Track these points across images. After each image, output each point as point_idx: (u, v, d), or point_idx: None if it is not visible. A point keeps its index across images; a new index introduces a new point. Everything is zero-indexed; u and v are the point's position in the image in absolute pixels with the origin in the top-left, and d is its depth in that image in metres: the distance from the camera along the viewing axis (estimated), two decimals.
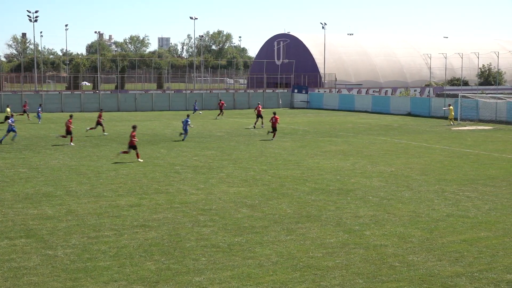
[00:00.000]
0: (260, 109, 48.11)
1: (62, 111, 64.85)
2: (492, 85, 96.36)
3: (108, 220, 16.86)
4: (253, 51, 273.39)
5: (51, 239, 14.94)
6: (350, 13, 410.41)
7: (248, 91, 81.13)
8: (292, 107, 74.54)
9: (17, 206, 18.60)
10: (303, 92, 76.80)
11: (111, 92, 75.94)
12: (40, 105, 55.18)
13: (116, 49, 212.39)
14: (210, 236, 15.36)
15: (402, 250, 14.20)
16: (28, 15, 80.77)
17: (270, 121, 38.63)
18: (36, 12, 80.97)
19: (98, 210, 18.06)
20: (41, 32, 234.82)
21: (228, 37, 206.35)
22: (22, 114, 53.77)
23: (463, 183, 22.90)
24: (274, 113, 39.15)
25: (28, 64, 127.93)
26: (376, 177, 24.03)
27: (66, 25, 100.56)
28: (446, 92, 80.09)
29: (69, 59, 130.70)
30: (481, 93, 67.53)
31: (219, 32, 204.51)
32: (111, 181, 22.83)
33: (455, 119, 51.00)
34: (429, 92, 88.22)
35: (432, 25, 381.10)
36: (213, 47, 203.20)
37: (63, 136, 35.10)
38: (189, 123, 37.54)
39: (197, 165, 26.94)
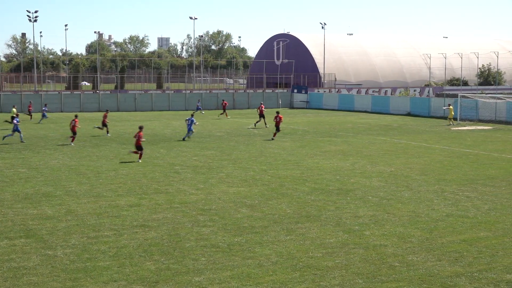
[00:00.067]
0: (262, 108, 48.15)
1: (61, 111, 64.86)
2: (492, 85, 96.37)
3: (108, 220, 16.86)
4: (252, 51, 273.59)
5: (50, 239, 14.94)
6: (349, 13, 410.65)
7: (247, 91, 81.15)
8: (291, 107, 74.56)
9: (16, 206, 18.59)
10: (303, 92, 76.81)
11: (110, 92, 75.95)
12: (46, 104, 55.32)
13: (115, 49, 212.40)
14: (209, 236, 15.36)
15: (401, 250, 14.21)
16: (27, 15, 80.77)
17: (274, 120, 38.70)
18: (36, 12, 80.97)
19: (98, 210, 18.06)
20: (40, 32, 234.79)
21: (228, 37, 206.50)
22: (29, 114, 54.01)
23: (462, 183, 22.90)
24: (278, 112, 39.24)
25: (27, 64, 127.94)
26: (375, 177, 24.03)
27: (66, 25, 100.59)
28: (446, 92, 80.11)
29: (68, 59, 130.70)
30: (480, 93, 67.56)
31: (219, 32, 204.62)
32: (111, 181, 22.83)
33: (455, 119, 51.01)
34: (428, 92, 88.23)
35: (432, 25, 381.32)
36: (213, 47, 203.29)
37: (72, 137, 34.99)
38: (194, 122, 37.54)
39: (197, 165, 26.94)
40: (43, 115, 51.79)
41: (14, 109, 45.91)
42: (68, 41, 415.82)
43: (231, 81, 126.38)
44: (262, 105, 48.93)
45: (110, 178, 23.59)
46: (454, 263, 13.29)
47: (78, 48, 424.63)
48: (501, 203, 19.34)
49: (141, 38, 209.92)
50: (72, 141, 34.67)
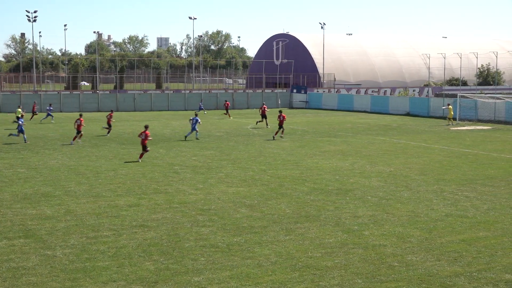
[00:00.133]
0: (265, 108, 48.22)
1: (61, 111, 64.83)
2: (491, 85, 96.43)
3: (107, 220, 16.86)
4: (252, 51, 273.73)
5: (49, 239, 14.93)
6: (349, 13, 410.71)
7: (247, 91, 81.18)
8: (291, 107, 74.58)
9: (15, 206, 18.58)
10: (302, 92, 76.83)
11: (110, 92, 75.98)
12: (50, 104, 55.44)
13: (115, 49, 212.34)
14: (209, 236, 15.36)
15: (401, 250, 14.21)
16: (27, 15, 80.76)
17: (278, 119, 38.79)
18: (35, 12, 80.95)
19: (97, 210, 18.06)
20: (40, 32, 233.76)
21: (227, 37, 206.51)
22: (36, 114, 54.21)
23: (461, 183, 22.91)
24: (281, 111, 39.37)
25: (27, 64, 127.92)
26: (375, 177, 24.04)
27: (65, 25, 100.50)
28: (445, 92, 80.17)
29: (68, 59, 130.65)
30: (479, 93, 67.65)
31: (218, 32, 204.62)
32: (110, 181, 22.82)
33: (454, 119, 51.03)
34: (428, 92, 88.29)
35: (431, 25, 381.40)
36: (212, 47, 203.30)
37: (76, 137, 35.13)
38: (198, 121, 37.58)
39: (196, 165, 26.94)
40: (48, 115, 51.97)
41: (19, 110, 46.10)
42: (67, 41, 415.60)
43: (231, 81, 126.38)
44: (264, 106, 48.98)
45: (109, 178, 23.59)
46: (453, 263, 13.30)
47: (77, 48, 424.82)
48: (500, 203, 19.35)
49: (140, 38, 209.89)
50: (74, 139, 34.97)
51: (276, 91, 79.19)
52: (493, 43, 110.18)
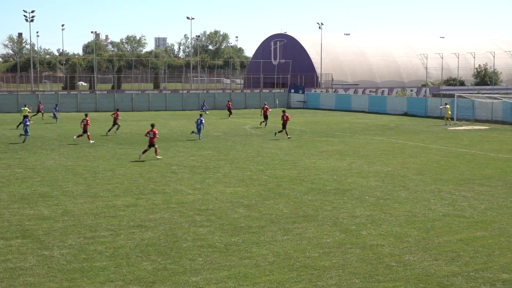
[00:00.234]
0: (267, 109, 48.32)
1: (58, 111, 64.65)
2: (488, 85, 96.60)
3: (105, 220, 16.85)
4: (250, 51, 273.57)
5: (47, 240, 14.92)
6: (346, 13, 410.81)
7: (244, 91, 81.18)
8: (288, 107, 74.50)
9: (13, 206, 18.56)
10: (300, 92, 76.86)
11: (107, 92, 75.91)
12: (56, 105, 55.55)
13: (112, 49, 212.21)
14: (206, 236, 15.35)
15: (398, 250, 14.22)
16: (24, 15, 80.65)
17: (281, 119, 38.88)
18: (33, 12, 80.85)
19: (95, 210, 18.04)
20: (37, 32, 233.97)
21: (225, 37, 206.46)
22: (36, 114, 54.28)
23: (459, 183, 22.94)
24: (284, 111, 39.45)
25: (24, 64, 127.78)
26: (372, 177, 24.06)
27: (63, 25, 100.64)
28: (443, 92, 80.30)
29: (65, 59, 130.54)
30: (477, 93, 67.71)
31: (216, 32, 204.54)
32: (108, 181, 22.81)
33: (452, 118, 51.09)
34: (425, 92, 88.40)
35: (429, 25, 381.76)
36: (210, 47, 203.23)
37: (80, 136, 35.76)
38: (203, 122, 37.62)
39: (194, 165, 26.93)
40: (54, 115, 51.98)
41: (26, 108, 46.40)
42: (65, 41, 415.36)
43: (228, 81, 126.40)
44: (266, 106, 49.09)
45: (107, 178, 23.57)
46: (450, 262, 13.31)
47: (75, 48, 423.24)
48: (498, 203, 19.38)
49: (138, 38, 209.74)
50: (78, 136, 35.55)
51: (274, 91, 79.21)
52: (490, 43, 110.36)
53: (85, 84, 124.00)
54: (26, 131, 35.77)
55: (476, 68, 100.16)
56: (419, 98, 68.74)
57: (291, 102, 76.12)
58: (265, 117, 47.23)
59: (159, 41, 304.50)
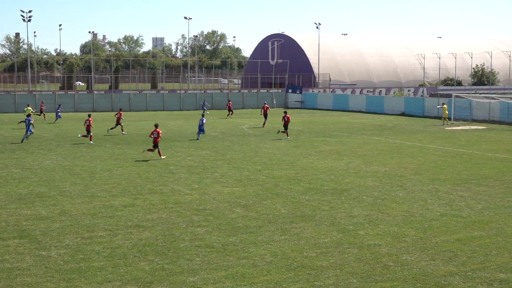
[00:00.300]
0: (267, 108, 48.42)
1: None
2: (485, 85, 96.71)
3: (102, 221, 16.83)
4: (247, 51, 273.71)
5: (44, 240, 14.90)
6: (344, 13, 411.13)
7: (242, 91, 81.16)
8: (286, 107, 74.51)
9: (10, 206, 18.54)
10: (297, 92, 76.85)
11: (105, 92, 75.83)
12: (60, 105, 55.47)
13: (110, 49, 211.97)
14: (204, 236, 15.35)
15: (396, 250, 14.24)
16: (21, 15, 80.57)
17: (282, 120, 38.96)
18: (30, 12, 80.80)
19: (92, 211, 18.03)
20: (34, 32, 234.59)
21: (223, 37, 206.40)
22: (40, 115, 54.24)
23: (456, 182, 22.97)
24: (285, 112, 39.52)
25: (21, 64, 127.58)
26: (370, 177, 24.08)
27: (60, 25, 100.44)
28: (440, 92, 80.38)
29: (63, 59, 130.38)
30: (474, 93, 67.77)
31: (214, 32, 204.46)
32: (105, 182, 22.79)
33: (449, 118, 51.15)
34: (422, 92, 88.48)
35: (426, 26, 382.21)
36: (208, 47, 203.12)
37: (85, 136, 35.95)
38: (204, 122, 37.70)
39: (191, 165, 26.92)
40: (57, 115, 51.90)
41: (29, 108, 46.66)
42: (62, 41, 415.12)
43: (226, 81, 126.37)
44: (266, 105, 49.21)
45: (104, 178, 23.55)
46: (448, 262, 13.33)
47: (72, 48, 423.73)
48: (495, 203, 19.41)
49: (135, 38, 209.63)
50: (83, 136, 35.73)
51: (271, 91, 79.21)
52: (487, 44, 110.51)
53: (83, 84, 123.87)
54: (28, 129, 35.99)
55: (473, 68, 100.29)
56: (416, 98, 68.79)
57: (289, 102, 76.11)
58: (265, 116, 47.49)
59: (157, 41, 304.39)
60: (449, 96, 58.99)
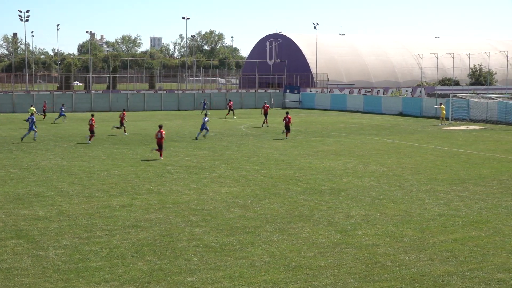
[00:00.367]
0: (267, 108, 48.48)
1: (53, 111, 64.51)
2: (483, 85, 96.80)
3: (100, 221, 16.82)
4: (245, 51, 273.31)
5: (42, 240, 14.89)
6: (342, 13, 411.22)
7: (240, 91, 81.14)
8: (284, 107, 74.55)
9: (8, 206, 18.51)
10: (295, 92, 76.86)
11: (102, 92, 75.74)
12: (63, 104, 55.48)
13: (107, 49, 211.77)
14: (202, 236, 15.35)
15: (394, 250, 14.25)
16: (19, 15, 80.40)
17: (283, 120, 39.02)
18: (27, 12, 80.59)
19: (90, 211, 18.01)
20: (32, 32, 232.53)
21: (220, 37, 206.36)
22: (44, 115, 54.20)
23: (454, 182, 22.99)
24: (287, 113, 39.57)
25: (19, 64, 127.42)
26: (368, 177, 24.09)
27: (58, 25, 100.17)
28: (438, 92, 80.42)
29: (60, 59, 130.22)
30: (472, 93, 67.83)
31: (211, 32, 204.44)
32: (103, 182, 22.77)
33: (447, 118, 51.19)
34: (420, 92, 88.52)
35: (424, 25, 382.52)
36: (205, 47, 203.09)
37: (91, 137, 35.93)
38: (206, 120, 37.88)
39: (189, 165, 26.92)
40: (61, 115, 51.92)
41: (32, 108, 46.90)
42: (60, 41, 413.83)
43: (224, 81, 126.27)
44: (266, 104, 49.26)
45: (102, 178, 23.54)
46: (445, 262, 13.34)
47: (70, 48, 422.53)
48: (492, 203, 19.43)
49: (133, 38, 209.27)
50: (90, 139, 35.64)
51: (269, 91, 79.19)
52: (485, 43, 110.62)
53: (80, 84, 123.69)
54: (32, 128, 36.29)
55: (471, 68, 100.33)
56: (414, 98, 68.84)
57: (287, 102, 76.12)
58: (265, 115, 47.69)
59: (155, 41, 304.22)
60: (447, 96, 59.03)
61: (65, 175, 24.24)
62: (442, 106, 50.71)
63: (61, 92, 72.52)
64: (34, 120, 36.86)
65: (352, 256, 13.75)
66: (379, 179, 23.58)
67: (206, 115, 39.39)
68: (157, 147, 29.09)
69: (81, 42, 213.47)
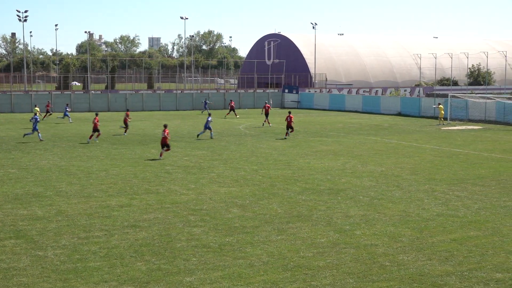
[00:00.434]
0: (268, 107, 48.50)
1: (52, 111, 64.47)
2: (481, 85, 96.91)
3: (99, 221, 16.81)
4: (243, 51, 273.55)
5: (41, 240, 14.88)
6: (340, 13, 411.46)
7: (238, 91, 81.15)
8: (282, 107, 74.55)
9: (6, 206, 18.50)
10: (294, 92, 76.85)
11: (101, 92, 75.72)
12: (67, 104, 55.47)
13: (106, 49, 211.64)
14: (200, 236, 15.35)
15: (392, 250, 14.25)
16: (17, 15, 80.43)
17: (286, 120, 39.03)
18: (26, 11, 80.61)
19: (88, 211, 18.00)
20: (30, 32, 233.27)
21: (219, 37, 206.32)
22: (50, 114, 54.38)
23: (453, 182, 23.00)
24: (289, 112, 39.59)
25: (17, 64, 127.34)
26: (366, 177, 24.10)
27: (56, 25, 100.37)
28: (436, 92, 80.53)
29: (59, 59, 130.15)
30: (470, 93, 67.91)
31: (210, 32, 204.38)
32: (102, 182, 22.76)
33: (445, 118, 51.23)
34: (419, 92, 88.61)
35: (422, 26, 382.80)
36: (204, 47, 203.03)
37: (93, 135, 36.20)
38: (210, 120, 37.89)
39: (188, 165, 26.91)
40: (65, 115, 51.87)
41: (37, 108, 47.19)
42: (58, 41, 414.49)
43: (222, 81, 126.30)
44: (267, 104, 49.26)
45: (101, 178, 23.52)
46: (444, 262, 13.35)
47: (68, 48, 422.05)
48: (491, 203, 19.45)
49: (131, 38, 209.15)
50: (97, 136, 36.05)
51: (267, 91, 79.18)
52: (483, 44, 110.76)
53: (79, 84, 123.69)
54: (35, 129, 36.54)
55: (469, 68, 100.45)
56: (412, 98, 68.87)
57: (285, 102, 76.11)
58: (266, 115, 47.73)
59: (153, 41, 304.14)
60: (445, 96, 59.07)
61: (63, 175, 24.23)
62: (441, 106, 50.74)
63: (60, 92, 72.48)
64: (38, 120, 37.09)
65: (350, 256, 13.76)
66: (377, 179, 23.59)
67: (210, 114, 39.45)
68: (165, 148, 29.04)
69: (79, 42, 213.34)
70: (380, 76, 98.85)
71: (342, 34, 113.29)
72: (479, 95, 59.28)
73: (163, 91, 77.48)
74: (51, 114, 55.34)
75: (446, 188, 21.77)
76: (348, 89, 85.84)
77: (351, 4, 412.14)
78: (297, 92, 76.58)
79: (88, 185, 21.98)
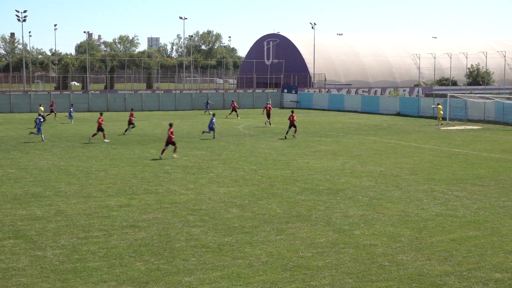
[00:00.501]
0: (269, 107, 48.60)
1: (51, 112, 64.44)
2: (481, 85, 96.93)
3: (98, 221, 16.81)
4: (243, 51, 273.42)
5: (40, 240, 14.87)
6: (339, 13, 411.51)
7: (238, 91, 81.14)
8: (281, 107, 74.56)
9: (5, 206, 18.49)
10: (293, 92, 76.85)
11: (100, 92, 75.69)
12: (72, 105, 55.46)
13: (105, 49, 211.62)
14: (200, 236, 15.34)
15: (391, 250, 14.26)
16: (16, 15, 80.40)
17: (288, 119, 39.07)
18: (25, 11, 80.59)
19: (88, 211, 18.00)
20: (29, 32, 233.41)
21: (218, 37, 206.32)
22: (49, 114, 54.39)
23: (452, 182, 23.01)
24: (292, 112, 39.64)
25: (16, 64, 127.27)
26: (365, 177, 24.10)
27: (55, 25, 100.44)
28: (435, 92, 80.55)
29: (58, 59, 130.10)
30: (469, 93, 67.93)
31: (209, 32, 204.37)
32: (101, 182, 22.75)
33: (444, 118, 51.24)
34: (418, 92, 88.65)
35: (421, 26, 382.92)
36: (203, 47, 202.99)
37: (94, 134, 36.45)
38: (213, 120, 37.94)
39: (187, 165, 26.90)
40: (70, 115, 51.82)
41: (41, 108, 47.31)
42: (57, 41, 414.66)
43: (221, 81, 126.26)
44: (268, 105, 49.35)
45: (100, 178, 23.52)
46: (443, 262, 13.36)
47: (67, 48, 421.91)
48: (490, 203, 19.45)
49: (131, 38, 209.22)
50: (104, 137, 36.17)
51: (267, 91, 79.17)
52: (482, 44, 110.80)
53: (78, 84, 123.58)
54: (39, 129, 36.59)
55: (468, 68, 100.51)
56: (411, 98, 68.88)
57: (284, 102, 76.11)
58: (268, 116, 47.76)
59: (152, 41, 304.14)
60: (444, 96, 59.09)
61: (62, 175, 24.22)
62: (440, 106, 50.74)
63: (59, 92, 72.43)
64: (42, 120, 37.14)
65: (350, 256, 13.76)
66: (376, 179, 23.60)
67: (214, 115, 39.50)
68: (174, 147, 29.15)
69: (78, 42, 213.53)
70: (379, 76, 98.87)
71: (341, 34, 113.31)
72: (478, 95, 59.29)
73: (162, 91, 77.45)
74: (55, 114, 55.01)
75: (445, 188, 21.78)
76: (347, 89, 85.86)
77: (350, 4, 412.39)
78: (296, 92, 76.58)
79: (87, 185, 21.98)
